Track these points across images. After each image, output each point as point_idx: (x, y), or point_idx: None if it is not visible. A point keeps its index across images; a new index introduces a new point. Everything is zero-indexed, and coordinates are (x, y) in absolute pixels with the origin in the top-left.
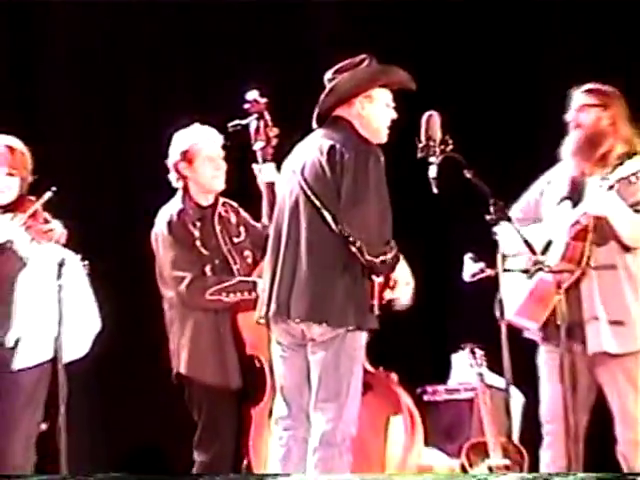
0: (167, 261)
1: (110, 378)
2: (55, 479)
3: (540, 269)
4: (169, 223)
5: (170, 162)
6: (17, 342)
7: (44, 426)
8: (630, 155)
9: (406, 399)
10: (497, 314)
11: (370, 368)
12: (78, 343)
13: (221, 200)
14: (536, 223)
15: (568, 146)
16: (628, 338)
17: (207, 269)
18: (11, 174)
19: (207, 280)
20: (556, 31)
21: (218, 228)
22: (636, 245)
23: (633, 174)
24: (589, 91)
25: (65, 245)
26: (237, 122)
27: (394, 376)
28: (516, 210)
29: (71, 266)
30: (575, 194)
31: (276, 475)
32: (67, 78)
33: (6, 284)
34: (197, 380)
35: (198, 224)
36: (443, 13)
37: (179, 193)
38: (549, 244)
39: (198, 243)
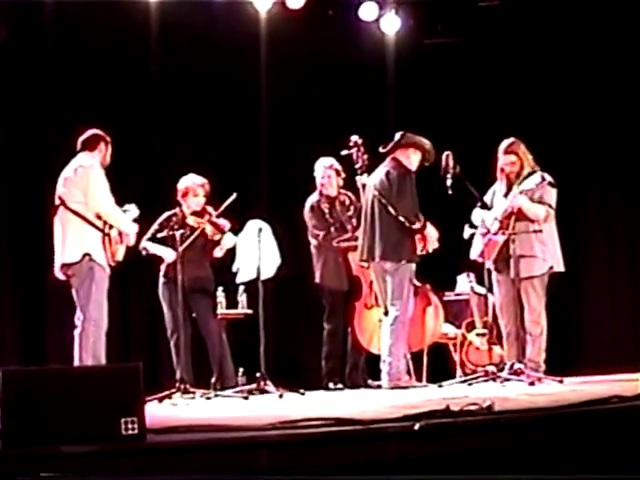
0: (310, 224)
1: (283, 287)
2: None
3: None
4: (312, 206)
5: (321, 175)
6: (238, 270)
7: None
8: (531, 173)
9: (435, 298)
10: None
11: (417, 283)
12: (269, 270)
13: (342, 192)
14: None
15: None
16: (534, 267)
17: (332, 229)
18: (204, 196)
19: (332, 234)
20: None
21: (338, 208)
22: (536, 219)
23: (533, 186)
24: (505, 147)
25: (264, 219)
26: (347, 152)
27: (429, 286)
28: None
29: (265, 230)
30: (506, 195)
31: None
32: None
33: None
34: (326, 286)
35: (327, 205)
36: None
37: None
38: (494, 221)
39: (327, 215)
